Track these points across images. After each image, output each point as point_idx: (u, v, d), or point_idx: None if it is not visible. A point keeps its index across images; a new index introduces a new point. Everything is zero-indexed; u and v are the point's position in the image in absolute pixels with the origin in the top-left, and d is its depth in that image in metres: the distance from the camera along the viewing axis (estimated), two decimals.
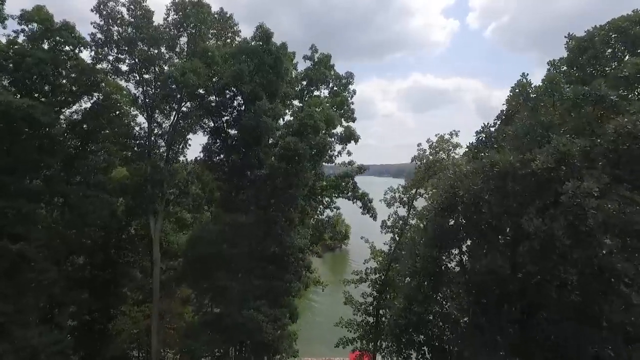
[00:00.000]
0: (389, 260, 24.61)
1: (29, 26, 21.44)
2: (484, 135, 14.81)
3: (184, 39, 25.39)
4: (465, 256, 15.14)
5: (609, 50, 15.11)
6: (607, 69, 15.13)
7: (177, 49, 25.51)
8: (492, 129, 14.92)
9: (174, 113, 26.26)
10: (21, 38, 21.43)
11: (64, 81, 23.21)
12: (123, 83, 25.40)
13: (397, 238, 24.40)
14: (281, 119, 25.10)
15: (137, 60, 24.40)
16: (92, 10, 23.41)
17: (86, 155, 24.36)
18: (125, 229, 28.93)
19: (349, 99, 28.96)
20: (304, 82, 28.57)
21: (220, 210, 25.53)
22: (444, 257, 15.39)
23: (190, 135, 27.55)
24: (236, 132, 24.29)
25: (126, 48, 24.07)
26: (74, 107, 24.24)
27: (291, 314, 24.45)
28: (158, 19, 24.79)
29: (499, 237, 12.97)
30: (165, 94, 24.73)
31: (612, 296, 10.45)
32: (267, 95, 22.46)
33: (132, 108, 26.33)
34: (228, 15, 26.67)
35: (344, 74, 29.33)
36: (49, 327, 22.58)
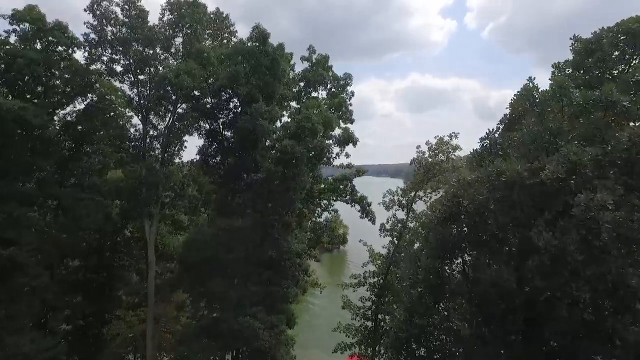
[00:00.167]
0: (387, 264, 24.40)
1: (21, 26, 21.06)
2: (489, 142, 14.34)
3: (179, 40, 24.99)
4: (468, 267, 14.68)
5: (617, 53, 14.67)
6: (614, 71, 14.71)
7: (173, 50, 25.10)
8: (497, 135, 14.45)
9: (169, 114, 25.77)
10: (13, 38, 21.08)
11: (57, 82, 22.81)
12: (117, 84, 24.93)
13: (396, 241, 24.17)
14: (278, 121, 24.62)
15: (131, 60, 23.95)
16: (85, 10, 22.96)
17: (80, 157, 23.98)
18: (120, 231, 28.45)
19: (347, 100, 28.60)
20: (302, 84, 28.21)
21: (216, 214, 25.04)
22: (446, 268, 14.93)
23: (186, 137, 27.06)
24: (232, 134, 23.80)
25: (120, 48, 23.64)
26: (68, 109, 23.92)
27: (288, 320, 24.12)
28: (153, 19, 24.47)
29: (505, 248, 12.50)
30: (160, 95, 24.35)
31: (627, 314, 9.91)
32: (264, 97, 22.09)
33: (126, 109, 25.83)
34: (224, 15, 26.33)
35: (342, 75, 28.99)
36: (42, 333, 22.33)
